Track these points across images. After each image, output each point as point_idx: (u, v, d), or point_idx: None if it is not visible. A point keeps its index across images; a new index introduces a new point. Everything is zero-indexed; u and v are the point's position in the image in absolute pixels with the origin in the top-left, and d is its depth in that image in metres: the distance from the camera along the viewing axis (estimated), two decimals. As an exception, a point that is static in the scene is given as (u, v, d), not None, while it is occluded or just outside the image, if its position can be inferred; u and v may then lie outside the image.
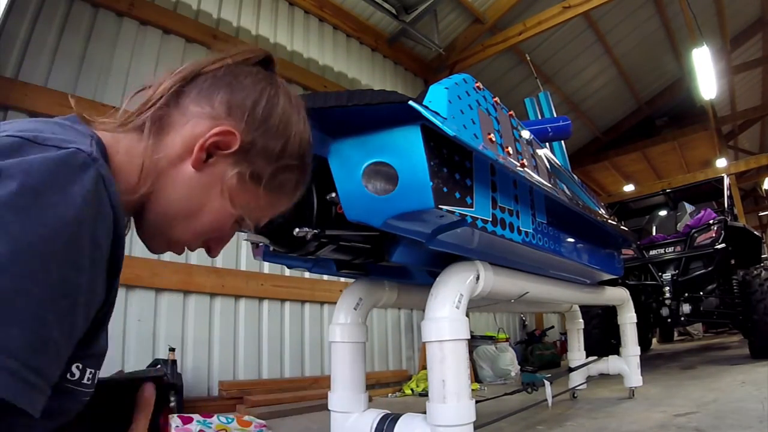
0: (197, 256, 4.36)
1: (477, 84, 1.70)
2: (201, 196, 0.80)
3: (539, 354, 8.07)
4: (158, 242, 0.85)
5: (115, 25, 4.25)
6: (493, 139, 1.59)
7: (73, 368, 0.63)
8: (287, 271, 4.99)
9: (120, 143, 0.76)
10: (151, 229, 0.82)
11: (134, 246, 3.23)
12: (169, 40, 4.62)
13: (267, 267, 4.83)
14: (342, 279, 4.99)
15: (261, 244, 1.58)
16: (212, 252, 0.91)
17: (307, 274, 4.96)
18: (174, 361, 3.77)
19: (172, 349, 3.80)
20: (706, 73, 8.01)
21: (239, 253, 4.72)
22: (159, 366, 3.69)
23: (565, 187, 2.53)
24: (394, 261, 1.79)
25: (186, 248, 0.87)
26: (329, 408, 1.96)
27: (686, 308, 5.79)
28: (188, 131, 0.78)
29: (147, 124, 0.78)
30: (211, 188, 0.80)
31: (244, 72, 0.85)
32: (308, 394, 4.73)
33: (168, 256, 4.15)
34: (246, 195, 0.83)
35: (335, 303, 2.05)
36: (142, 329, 3.87)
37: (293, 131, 0.86)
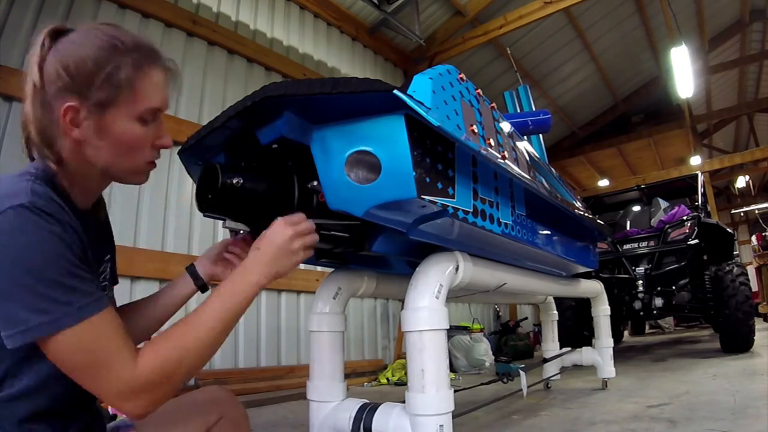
0: (173, 244, 4.32)
1: (460, 75, 1.70)
2: (100, 143, 1.01)
3: (513, 345, 8.16)
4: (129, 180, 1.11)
5: (93, 7, 4.16)
6: (476, 130, 1.59)
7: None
8: (264, 260, 4.96)
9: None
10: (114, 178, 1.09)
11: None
12: (148, 24, 4.54)
13: (244, 256, 4.81)
14: (319, 268, 4.99)
15: (241, 231, 1.57)
16: (165, 142, 1.12)
17: (284, 264, 4.93)
18: (149, 350, 3.74)
19: (149, 339, 3.76)
20: (683, 72, 8.12)
21: (216, 241, 4.69)
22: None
23: (543, 180, 2.55)
24: (375, 251, 1.79)
25: (150, 161, 1.11)
26: (308, 397, 1.95)
27: (658, 302, 5.90)
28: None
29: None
30: (96, 136, 1.00)
31: None
32: (285, 383, 4.73)
33: (144, 244, 4.11)
34: (114, 113, 1.00)
35: (312, 292, 2.05)
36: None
37: (82, 57, 0.98)
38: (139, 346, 0.97)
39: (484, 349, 6.81)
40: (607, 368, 4.16)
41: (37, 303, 0.83)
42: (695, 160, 11.51)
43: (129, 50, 1.02)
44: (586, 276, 4.01)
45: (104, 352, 0.88)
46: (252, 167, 1.57)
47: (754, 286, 9.57)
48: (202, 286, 1.43)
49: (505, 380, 3.62)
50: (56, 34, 1.01)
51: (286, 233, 1.13)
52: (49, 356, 0.87)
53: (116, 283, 1.29)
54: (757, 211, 16.54)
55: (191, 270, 1.43)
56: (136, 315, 1.34)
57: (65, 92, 0.97)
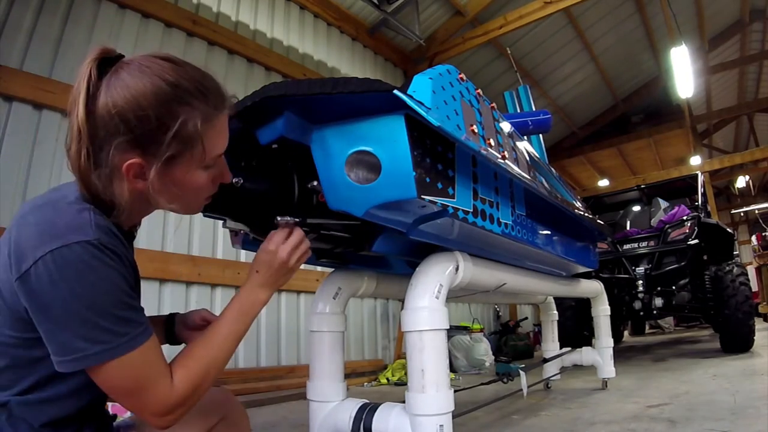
0: (173, 245, 4.32)
1: (460, 75, 1.70)
2: (165, 191, 1.01)
3: (513, 345, 8.15)
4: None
5: (93, 7, 4.15)
6: (476, 130, 1.59)
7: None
8: (264, 260, 4.96)
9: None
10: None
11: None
12: (148, 24, 4.54)
13: (243, 255, 4.80)
14: (319, 268, 4.98)
15: (241, 231, 1.57)
16: (225, 179, 1.15)
17: (284, 264, 4.93)
18: (149, 350, 3.73)
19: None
20: (683, 72, 8.11)
21: (216, 241, 4.69)
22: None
23: (543, 180, 2.55)
24: (375, 251, 1.79)
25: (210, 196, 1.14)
26: (308, 397, 1.95)
27: (658, 302, 5.89)
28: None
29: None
30: (160, 186, 0.99)
31: None
32: (285, 383, 4.73)
33: (144, 244, 4.11)
34: (182, 165, 1.00)
35: (312, 292, 2.05)
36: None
37: (144, 107, 0.93)
38: None
39: (484, 349, 6.80)
40: (607, 368, 4.16)
41: (96, 334, 0.88)
42: (695, 160, 11.51)
43: (194, 98, 0.98)
44: (586, 276, 4.00)
45: (148, 377, 0.94)
46: (252, 167, 1.57)
47: (754, 286, 9.57)
48: (172, 341, 1.38)
49: (505, 380, 3.62)
50: (104, 63, 0.97)
51: (281, 257, 1.18)
52: (96, 380, 0.93)
53: None
54: (757, 211, 16.52)
55: (169, 326, 1.38)
56: None
57: (127, 146, 0.93)
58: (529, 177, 2.07)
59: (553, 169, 3.39)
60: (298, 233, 1.22)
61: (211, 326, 1.10)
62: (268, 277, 1.17)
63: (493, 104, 1.99)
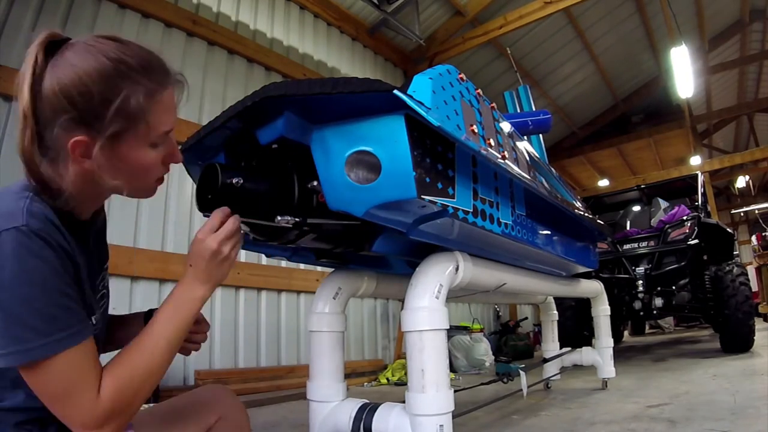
0: (173, 245, 4.32)
1: (460, 75, 1.70)
2: (112, 170, 0.97)
3: (513, 345, 8.15)
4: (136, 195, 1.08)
5: (94, 7, 4.16)
6: (476, 130, 1.59)
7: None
8: (264, 260, 4.97)
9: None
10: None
11: (110, 235, 3.19)
12: (148, 24, 4.54)
13: (243, 255, 4.80)
14: (318, 268, 4.99)
15: (241, 231, 1.57)
16: (176, 159, 1.10)
17: (283, 263, 4.94)
18: (149, 350, 3.73)
19: (147, 338, 3.75)
20: (683, 72, 8.11)
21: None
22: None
23: (543, 180, 2.55)
24: (375, 251, 1.79)
25: (160, 178, 1.09)
26: (308, 397, 1.95)
27: (658, 302, 5.89)
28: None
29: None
30: (107, 164, 0.96)
31: None
32: (285, 383, 4.74)
33: (144, 244, 4.11)
34: (127, 142, 0.97)
35: (312, 292, 2.05)
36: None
37: (87, 83, 0.91)
38: None
39: (484, 349, 6.80)
40: (607, 368, 4.16)
41: (16, 331, 0.84)
42: (695, 160, 11.51)
43: (138, 73, 0.96)
44: (586, 276, 4.00)
45: (73, 385, 0.88)
46: (252, 167, 1.57)
47: (754, 286, 9.57)
48: None
49: (505, 380, 3.62)
50: (51, 47, 0.94)
51: (211, 246, 1.06)
52: (25, 380, 0.88)
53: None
54: (757, 211, 16.52)
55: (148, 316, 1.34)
56: (124, 329, 1.34)
57: (71, 124, 0.91)
58: (529, 177, 2.07)
59: (553, 169, 3.39)
60: (232, 221, 1.11)
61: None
62: (202, 270, 1.06)
63: (493, 104, 1.99)
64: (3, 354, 0.84)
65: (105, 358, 0.98)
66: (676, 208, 6.43)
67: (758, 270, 11.03)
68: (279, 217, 1.42)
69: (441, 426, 1.57)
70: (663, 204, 6.66)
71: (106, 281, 1.21)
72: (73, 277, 0.93)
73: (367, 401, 1.82)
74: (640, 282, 5.95)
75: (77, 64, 0.92)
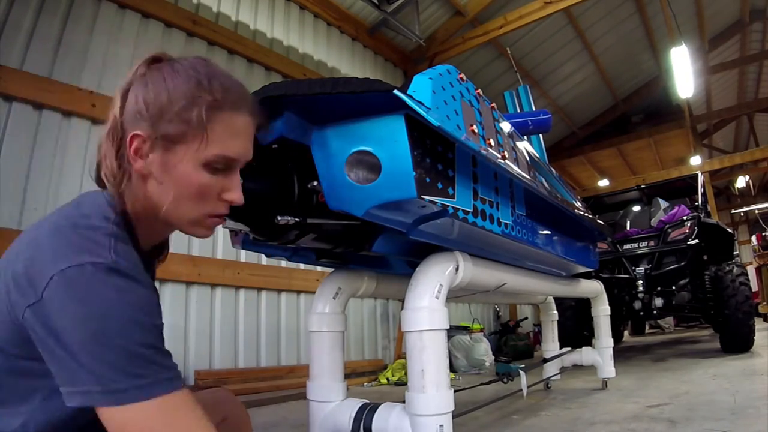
0: (173, 245, 4.31)
1: (460, 75, 1.70)
2: (163, 182, 0.93)
3: (513, 345, 8.15)
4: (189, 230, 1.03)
5: (93, 7, 4.15)
6: (476, 130, 1.59)
7: None
8: (264, 260, 4.97)
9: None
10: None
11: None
12: (148, 24, 4.53)
13: (243, 255, 4.80)
14: (318, 268, 4.99)
15: (240, 231, 1.57)
16: (233, 197, 1.02)
17: (283, 263, 4.94)
18: (149, 350, 3.73)
19: (147, 338, 3.75)
20: (683, 72, 8.11)
21: (215, 241, 4.69)
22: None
23: (543, 180, 2.55)
24: (375, 251, 1.79)
25: (215, 215, 1.02)
26: (308, 397, 1.95)
27: (658, 302, 5.89)
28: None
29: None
30: (159, 172, 0.93)
31: None
32: (285, 383, 4.74)
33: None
34: (182, 153, 0.92)
35: (312, 292, 2.05)
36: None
37: (160, 91, 0.93)
38: None
39: (484, 349, 6.80)
40: (607, 368, 4.16)
41: (103, 369, 0.74)
42: (695, 160, 11.50)
43: (212, 89, 0.94)
44: (586, 276, 4.00)
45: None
46: (252, 167, 1.57)
47: (754, 286, 9.57)
48: None
49: (505, 380, 3.62)
50: (153, 62, 0.98)
51: None
52: (108, 429, 0.78)
53: None
54: (757, 211, 16.51)
55: None
56: None
57: (138, 121, 0.91)
58: (529, 177, 2.07)
59: (553, 169, 3.39)
60: None
61: None
62: None
63: (493, 104, 1.99)
64: (87, 391, 0.75)
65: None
66: (676, 208, 6.43)
67: (758, 270, 11.03)
68: (279, 217, 1.42)
69: (441, 426, 1.57)
70: (663, 204, 6.66)
71: None
72: (159, 320, 0.85)
73: (367, 401, 1.82)
74: (640, 282, 5.95)
75: (165, 74, 0.94)
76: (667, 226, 6.17)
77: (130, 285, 0.80)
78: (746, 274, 5.83)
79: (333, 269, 2.14)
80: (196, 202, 0.96)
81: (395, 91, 1.26)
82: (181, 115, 0.90)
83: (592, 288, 4.10)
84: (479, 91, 1.83)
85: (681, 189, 7.74)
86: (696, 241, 5.88)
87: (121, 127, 0.92)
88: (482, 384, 3.75)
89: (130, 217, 0.94)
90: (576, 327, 6.38)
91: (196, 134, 0.91)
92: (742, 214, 19.73)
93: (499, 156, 1.73)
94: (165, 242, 1.16)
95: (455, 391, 1.68)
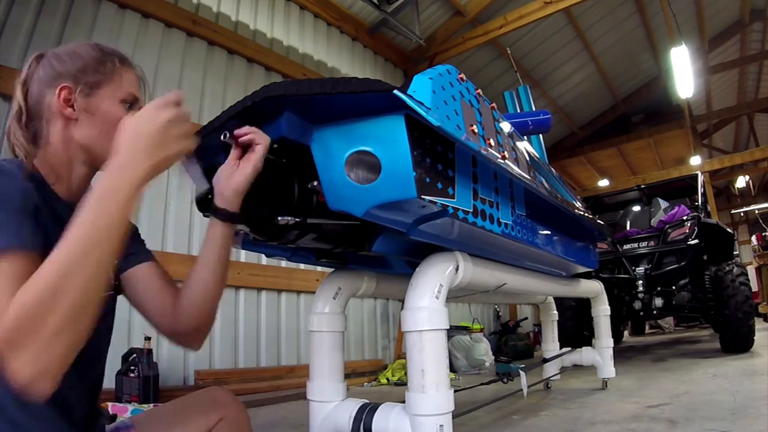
0: (173, 245, 4.32)
1: (460, 75, 1.70)
2: (88, 121, 1.11)
3: (513, 345, 8.16)
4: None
5: (93, 7, 4.16)
6: (476, 130, 1.59)
7: None
8: (264, 260, 4.97)
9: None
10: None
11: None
12: (148, 25, 4.54)
13: (243, 255, 4.80)
14: (319, 268, 4.98)
15: (240, 231, 1.57)
16: None
17: (283, 263, 4.94)
18: (150, 351, 3.73)
19: (147, 338, 3.75)
20: (683, 72, 8.11)
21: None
22: (134, 356, 3.65)
23: (543, 180, 2.55)
24: (375, 251, 1.79)
25: None
26: (308, 397, 1.95)
27: (658, 302, 5.90)
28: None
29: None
30: (85, 114, 1.11)
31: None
32: (285, 383, 4.74)
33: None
34: (102, 94, 1.13)
35: (312, 292, 2.05)
36: (117, 318, 3.80)
37: (74, 54, 1.15)
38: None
39: (484, 349, 6.81)
40: (607, 368, 4.16)
41: None
42: (695, 160, 11.50)
43: (111, 52, 1.19)
44: (586, 276, 4.00)
45: None
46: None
47: (754, 286, 9.58)
48: (229, 215, 1.22)
49: (505, 380, 3.62)
50: (40, 56, 1.15)
51: (160, 118, 0.94)
52: None
53: (110, 289, 1.22)
54: (757, 211, 16.52)
55: (210, 207, 1.26)
56: (188, 288, 1.25)
57: (60, 78, 1.09)
58: (529, 177, 2.07)
59: (553, 169, 3.39)
60: (185, 108, 1.01)
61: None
62: (142, 144, 0.92)
63: (493, 104, 1.99)
64: None
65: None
66: (676, 208, 6.43)
67: (758, 270, 11.04)
68: (280, 218, 1.42)
69: (441, 426, 1.57)
70: (663, 204, 6.66)
71: None
72: (28, 213, 0.91)
73: (367, 401, 1.82)
74: (640, 282, 5.96)
75: (66, 47, 1.17)
76: (667, 226, 6.17)
77: (8, 179, 0.92)
78: (746, 274, 5.84)
79: (333, 269, 2.14)
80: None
81: (395, 91, 1.26)
82: (97, 68, 1.13)
83: (592, 288, 4.10)
84: (479, 91, 1.83)
85: (681, 189, 7.75)
86: (696, 241, 5.88)
87: (27, 109, 1.10)
88: (482, 384, 3.75)
89: (41, 175, 1.06)
90: (576, 327, 6.38)
91: (112, 79, 1.15)
92: (742, 214, 19.73)
93: (499, 156, 1.73)
94: None
95: (455, 391, 1.68)
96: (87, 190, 1.15)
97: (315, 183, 1.47)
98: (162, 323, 1.25)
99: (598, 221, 3.67)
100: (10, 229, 0.85)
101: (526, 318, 9.47)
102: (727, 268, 5.85)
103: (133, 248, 1.27)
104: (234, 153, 1.26)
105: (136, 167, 0.89)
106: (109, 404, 3.17)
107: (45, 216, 0.96)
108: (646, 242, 6.24)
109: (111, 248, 0.85)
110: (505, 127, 2.12)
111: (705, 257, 6.23)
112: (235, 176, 1.22)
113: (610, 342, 4.23)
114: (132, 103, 1.17)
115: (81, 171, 1.13)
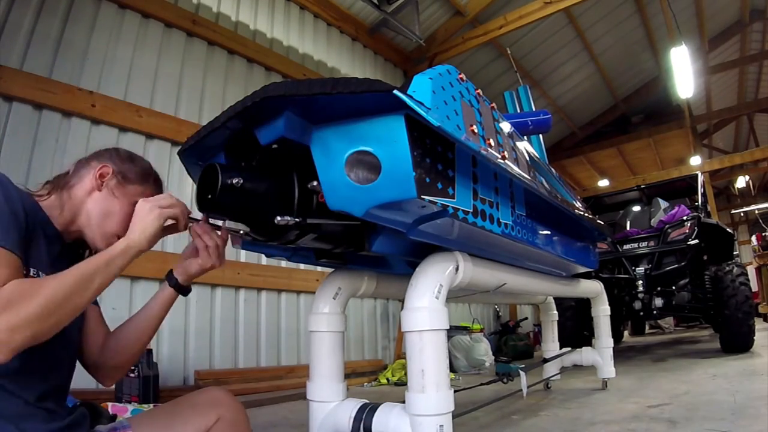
0: (173, 245, 4.32)
1: (460, 75, 1.69)
2: (106, 203, 1.33)
3: (513, 345, 8.16)
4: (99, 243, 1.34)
5: (94, 7, 4.16)
6: (476, 130, 1.59)
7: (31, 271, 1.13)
8: (264, 260, 4.97)
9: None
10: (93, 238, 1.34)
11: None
12: (148, 24, 4.54)
13: (243, 255, 4.80)
14: (318, 268, 4.99)
15: (240, 231, 1.57)
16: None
17: (283, 263, 4.94)
18: (150, 350, 3.73)
19: (147, 338, 3.75)
20: (683, 72, 8.10)
21: (216, 241, 4.68)
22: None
23: (543, 180, 2.54)
24: (375, 251, 1.79)
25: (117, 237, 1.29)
26: (308, 397, 1.95)
27: (658, 302, 5.90)
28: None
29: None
30: (106, 193, 1.33)
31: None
32: (285, 384, 4.74)
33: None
34: (126, 190, 1.36)
35: (312, 292, 2.05)
36: (117, 318, 3.79)
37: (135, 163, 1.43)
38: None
39: (484, 349, 6.80)
40: (607, 368, 4.16)
41: None
42: (695, 160, 11.51)
43: (154, 174, 1.45)
44: (586, 276, 4.00)
45: None
46: (252, 167, 1.57)
47: (754, 286, 9.58)
48: (177, 286, 1.48)
49: (505, 380, 3.62)
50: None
51: (162, 218, 1.26)
52: None
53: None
54: (757, 211, 16.52)
55: (168, 274, 1.50)
56: (121, 332, 1.44)
57: (108, 160, 1.36)
58: (529, 177, 2.06)
59: (553, 169, 3.39)
60: (168, 197, 1.31)
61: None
62: (133, 224, 1.23)
63: (493, 104, 1.99)
64: None
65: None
66: (676, 208, 6.43)
67: (758, 270, 11.04)
68: (279, 218, 1.42)
69: (441, 426, 1.57)
70: (663, 204, 6.66)
71: None
72: (26, 228, 1.11)
73: (367, 401, 1.82)
74: (640, 282, 5.95)
75: (132, 153, 1.46)
76: (667, 226, 6.17)
77: (7, 192, 1.09)
78: (746, 274, 5.84)
79: (333, 269, 2.14)
80: (116, 223, 1.32)
81: (395, 91, 1.26)
82: (137, 173, 1.39)
83: (592, 288, 4.10)
84: (479, 91, 1.82)
85: (681, 189, 7.75)
86: (696, 241, 5.88)
87: (70, 173, 1.35)
88: (482, 384, 3.75)
89: (39, 206, 1.25)
90: (576, 327, 6.38)
91: (141, 185, 1.38)
92: (742, 214, 19.74)
93: (499, 156, 1.73)
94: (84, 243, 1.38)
95: (455, 391, 1.68)
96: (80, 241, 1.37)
97: (315, 183, 1.47)
98: (88, 357, 1.41)
99: (598, 221, 3.67)
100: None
101: (526, 318, 9.47)
102: (727, 268, 5.85)
103: None
104: (199, 242, 1.47)
105: (131, 239, 1.20)
106: (109, 404, 3.17)
107: (32, 223, 1.15)
108: (646, 242, 6.23)
109: (100, 281, 1.10)
110: (505, 127, 2.12)
111: (705, 257, 6.23)
112: (194, 264, 1.48)
113: (610, 342, 4.23)
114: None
115: (73, 228, 1.31)
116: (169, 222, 1.31)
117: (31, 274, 1.14)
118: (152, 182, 1.42)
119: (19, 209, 1.10)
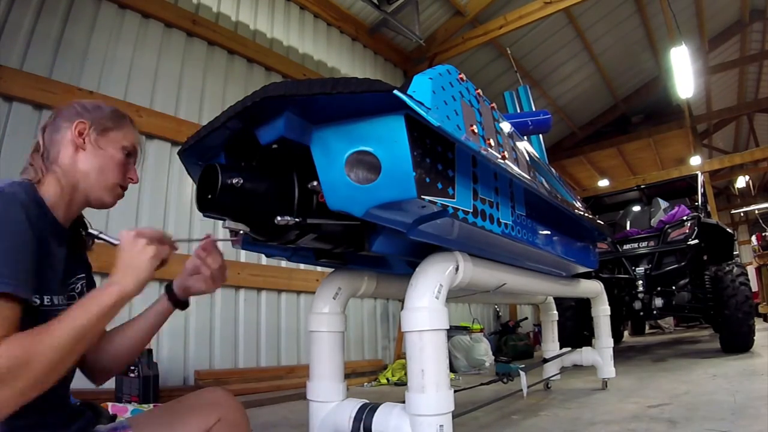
0: (173, 244, 4.31)
1: (460, 75, 1.69)
2: (92, 155, 1.31)
3: (513, 345, 8.15)
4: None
5: (94, 7, 4.16)
6: (476, 130, 1.59)
7: (35, 298, 1.07)
8: (264, 260, 4.97)
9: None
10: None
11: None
12: (148, 25, 4.54)
13: (243, 255, 4.80)
14: (319, 268, 4.98)
15: (240, 231, 1.57)
16: (133, 177, 1.41)
17: (283, 263, 4.94)
18: (149, 350, 3.73)
19: (147, 338, 3.75)
20: (683, 72, 8.09)
21: (216, 241, 4.68)
22: (134, 354, 3.64)
23: (543, 180, 2.55)
24: (375, 251, 1.79)
25: (121, 185, 1.37)
26: (308, 397, 1.95)
27: (658, 302, 5.90)
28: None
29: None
30: (92, 148, 1.31)
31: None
32: (285, 384, 4.74)
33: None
34: (109, 138, 1.34)
35: (312, 292, 2.05)
36: (117, 319, 3.79)
37: (96, 105, 1.39)
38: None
39: (484, 349, 6.80)
40: (607, 368, 4.16)
41: None
42: (695, 160, 11.50)
43: (125, 114, 1.42)
44: (586, 276, 4.00)
45: None
46: (252, 167, 1.57)
47: (754, 286, 9.58)
48: (177, 302, 1.47)
49: (505, 380, 3.62)
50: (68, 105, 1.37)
51: (147, 255, 1.22)
52: None
53: None
54: (757, 211, 16.52)
55: (167, 287, 1.48)
56: (116, 337, 1.41)
57: (79, 116, 1.31)
58: (529, 177, 2.06)
59: (553, 169, 3.39)
60: (151, 231, 1.27)
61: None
62: (122, 263, 1.18)
63: (493, 104, 1.99)
64: None
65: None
66: (676, 208, 6.43)
67: (758, 270, 11.04)
68: (279, 218, 1.42)
69: (441, 426, 1.57)
70: (663, 204, 6.66)
71: (79, 288, 1.33)
72: (36, 250, 1.07)
73: (367, 401, 1.82)
74: (640, 282, 5.95)
75: (94, 101, 1.40)
76: (667, 226, 6.17)
77: (13, 207, 1.05)
78: (746, 274, 5.84)
79: (333, 269, 2.14)
80: (113, 173, 1.33)
81: (395, 91, 1.26)
82: (111, 118, 1.36)
83: (592, 288, 4.10)
84: (479, 91, 1.82)
85: (681, 189, 7.75)
86: (696, 241, 5.88)
87: (44, 145, 1.31)
88: (482, 384, 3.75)
89: (43, 201, 1.21)
90: (576, 327, 6.38)
91: (120, 130, 1.36)
92: (742, 214, 19.74)
93: (499, 156, 1.73)
94: (81, 220, 1.37)
95: (455, 391, 1.68)
96: (79, 220, 1.37)
97: (315, 183, 1.47)
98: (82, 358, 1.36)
99: (598, 221, 3.67)
100: (3, 271, 0.97)
101: (526, 318, 9.47)
102: (727, 268, 5.85)
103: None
104: (204, 269, 1.48)
105: (125, 288, 1.15)
106: (109, 404, 3.17)
107: (46, 235, 1.14)
108: (646, 242, 6.23)
109: (94, 330, 1.08)
110: (505, 127, 2.12)
111: (705, 257, 6.23)
112: (194, 284, 1.48)
113: (610, 342, 4.23)
114: (131, 153, 1.38)
115: (76, 199, 1.30)
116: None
117: (45, 303, 1.13)
118: (128, 122, 1.41)
119: (24, 230, 1.05)
